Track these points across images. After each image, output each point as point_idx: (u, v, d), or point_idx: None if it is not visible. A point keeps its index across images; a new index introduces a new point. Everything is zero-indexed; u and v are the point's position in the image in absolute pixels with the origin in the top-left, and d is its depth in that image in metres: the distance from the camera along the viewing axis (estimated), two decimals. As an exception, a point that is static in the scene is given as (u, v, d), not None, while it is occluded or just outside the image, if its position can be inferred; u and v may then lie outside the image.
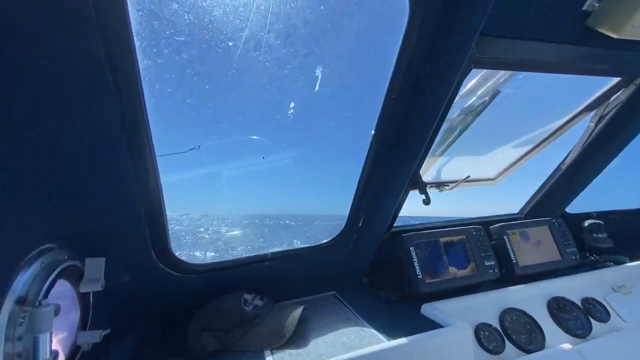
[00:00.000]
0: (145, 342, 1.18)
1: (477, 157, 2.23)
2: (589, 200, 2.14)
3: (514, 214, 2.02)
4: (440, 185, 1.89)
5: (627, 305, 1.47)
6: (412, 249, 1.39)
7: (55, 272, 0.77)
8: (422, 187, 1.37)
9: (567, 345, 1.24)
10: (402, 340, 1.05)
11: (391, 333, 1.13)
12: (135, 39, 0.65)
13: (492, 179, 2.07)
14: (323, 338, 1.15)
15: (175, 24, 0.69)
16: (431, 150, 1.51)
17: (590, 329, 1.34)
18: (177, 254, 1.18)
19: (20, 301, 0.68)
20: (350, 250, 1.56)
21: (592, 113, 1.55)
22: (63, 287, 0.83)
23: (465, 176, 1.76)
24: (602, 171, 1.73)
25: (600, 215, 2.00)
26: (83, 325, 0.92)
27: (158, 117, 0.80)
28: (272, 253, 1.40)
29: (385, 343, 1.05)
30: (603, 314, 1.41)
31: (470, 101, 1.46)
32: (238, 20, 0.71)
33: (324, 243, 1.52)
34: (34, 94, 0.66)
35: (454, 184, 1.81)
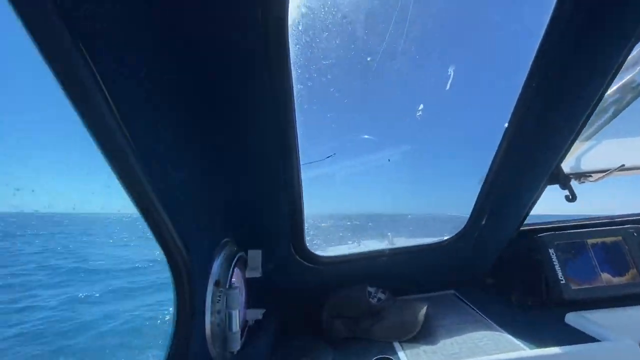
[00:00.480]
0: (289, 324, 1.38)
1: (630, 140, 1.84)
2: None
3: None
4: (580, 176, 1.63)
5: None
6: (551, 251, 1.25)
7: (234, 261, 0.97)
8: (564, 181, 1.21)
9: None
10: (550, 350, 0.97)
11: (532, 341, 1.05)
12: (292, 69, 0.75)
13: (655, 167, 1.67)
14: (453, 338, 1.14)
15: (324, 50, 0.78)
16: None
17: None
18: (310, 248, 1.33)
19: (217, 284, 0.89)
20: (472, 249, 1.49)
21: None
22: (236, 273, 1.04)
23: (619, 165, 1.47)
24: None
25: None
26: (247, 305, 1.13)
27: (302, 130, 0.91)
28: (390, 249, 1.44)
29: (527, 351, 0.99)
30: None
31: (630, 76, 1.21)
32: (377, 36, 0.75)
33: (444, 240, 1.49)
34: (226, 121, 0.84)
35: (603, 174, 1.54)
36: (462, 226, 1.49)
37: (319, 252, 1.37)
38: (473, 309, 1.37)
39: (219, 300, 0.88)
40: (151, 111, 0.65)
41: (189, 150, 0.81)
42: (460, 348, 1.08)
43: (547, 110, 1.05)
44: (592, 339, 1.04)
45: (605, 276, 1.22)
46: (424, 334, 1.18)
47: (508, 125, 1.11)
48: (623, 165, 1.48)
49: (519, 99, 1.03)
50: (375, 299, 1.31)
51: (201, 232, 0.87)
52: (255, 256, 1.10)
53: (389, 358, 1.05)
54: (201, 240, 0.85)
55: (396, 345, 1.15)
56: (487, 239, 1.46)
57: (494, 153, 1.21)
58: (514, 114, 1.07)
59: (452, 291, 1.56)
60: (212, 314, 0.86)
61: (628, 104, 1.26)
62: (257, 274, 1.09)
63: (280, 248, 1.25)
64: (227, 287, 0.89)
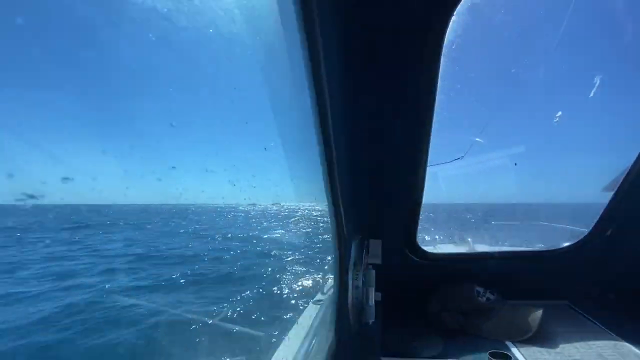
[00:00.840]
0: (399, 311, 1.51)
1: None
2: None
3: None
4: None
5: None
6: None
7: (365, 246, 1.14)
8: None
9: None
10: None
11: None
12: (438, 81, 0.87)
13: None
14: (572, 344, 1.14)
15: (467, 63, 0.86)
16: None
17: None
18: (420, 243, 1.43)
19: (355, 264, 1.06)
20: (592, 260, 1.42)
21: None
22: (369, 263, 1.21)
23: None
24: None
25: None
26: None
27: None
28: (500, 252, 1.46)
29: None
30: None
31: None
32: (525, 44, 0.80)
33: (561, 248, 1.45)
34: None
35: None
36: (584, 235, 1.42)
37: (428, 248, 1.46)
38: (590, 319, 1.31)
39: (357, 278, 1.05)
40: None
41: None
42: (581, 355, 1.07)
43: None
44: None
45: None
46: (539, 338, 1.19)
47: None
48: None
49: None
50: (484, 298, 1.36)
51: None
52: (376, 245, 1.26)
53: (507, 354, 1.09)
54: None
55: (509, 344, 1.19)
56: (613, 251, 1.37)
57: (634, 161, 1.15)
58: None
59: (566, 302, 1.50)
60: (353, 288, 1.03)
61: None
62: (378, 260, 1.25)
63: (395, 241, 1.38)
64: (363, 267, 1.06)
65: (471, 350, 1.16)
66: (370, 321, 1.06)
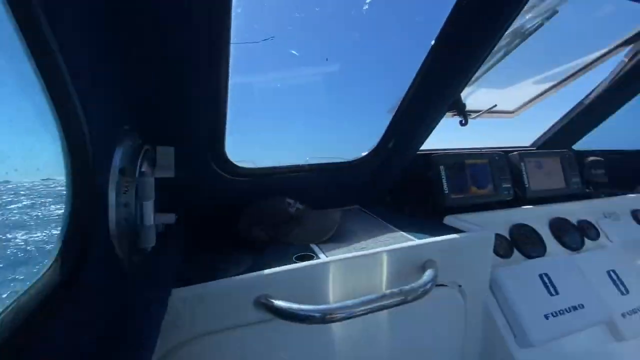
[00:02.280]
0: (204, 233, 1.30)
1: (498, 90, 2.24)
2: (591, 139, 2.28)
3: (526, 147, 2.13)
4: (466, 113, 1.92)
5: (614, 228, 1.68)
6: (442, 167, 1.48)
7: (142, 152, 0.80)
8: (461, 107, 1.41)
9: (562, 255, 1.45)
10: (431, 239, 1.19)
11: (420, 237, 1.27)
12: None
13: (511, 112, 2.12)
14: (361, 237, 1.29)
15: None
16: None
17: (583, 244, 1.55)
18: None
19: (122, 172, 0.72)
20: (378, 169, 1.65)
21: (629, 48, 1.56)
22: (145, 169, 0.87)
23: (492, 105, 1.80)
24: (617, 110, 1.80)
25: (602, 154, 2.13)
26: (155, 209, 0.99)
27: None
28: (309, 164, 1.47)
29: (416, 241, 1.19)
30: (594, 234, 1.62)
31: (521, 22, 1.42)
32: None
33: (354, 160, 1.59)
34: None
35: (479, 113, 1.86)
36: (373, 148, 1.61)
37: (239, 162, 1.28)
38: (376, 218, 1.56)
39: (127, 191, 0.73)
40: None
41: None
42: (367, 244, 1.23)
43: (453, 53, 1.16)
44: (462, 232, 1.32)
45: (474, 189, 1.53)
46: (338, 236, 1.29)
47: (424, 62, 1.20)
48: (495, 105, 1.82)
49: (438, 38, 1.11)
50: (294, 209, 1.34)
51: (98, 107, 0.67)
52: (166, 153, 0.94)
53: (310, 254, 1.11)
54: (97, 113, 0.66)
55: (313, 246, 1.23)
56: (392, 160, 1.63)
57: (409, 86, 1.31)
58: (436, 42, 1.15)
59: (358, 206, 1.73)
60: (117, 207, 0.71)
61: (514, 48, 1.51)
62: (169, 173, 0.95)
63: (196, 151, 1.11)
64: (136, 175, 0.74)
65: (279, 258, 1.13)
66: (149, 246, 0.79)
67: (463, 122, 1.44)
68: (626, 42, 1.54)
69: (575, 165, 1.83)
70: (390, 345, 1.15)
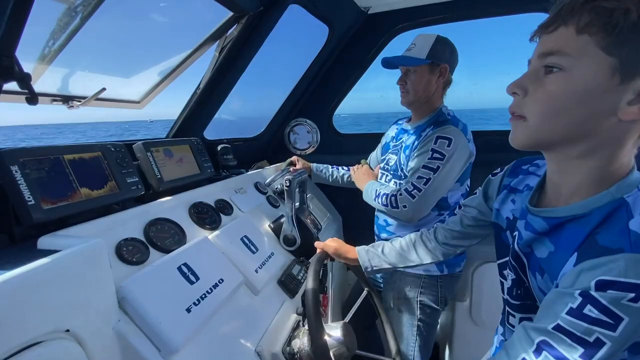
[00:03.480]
0: None
1: (124, 79, 1.99)
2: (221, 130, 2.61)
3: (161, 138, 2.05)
4: (69, 99, 1.48)
5: (244, 200, 1.96)
6: (15, 168, 0.98)
7: None
8: (20, 78, 0.95)
9: (202, 236, 1.45)
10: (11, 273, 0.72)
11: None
12: None
13: (138, 102, 1.93)
14: None
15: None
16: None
17: (220, 221, 1.66)
18: None
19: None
20: None
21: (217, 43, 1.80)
22: None
23: (100, 88, 1.48)
24: (226, 97, 2.10)
25: (229, 141, 2.48)
26: None
27: None
28: None
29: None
30: (229, 209, 1.79)
31: None
32: None
33: None
34: None
35: (88, 99, 1.49)
36: None
37: None
38: None
39: None
40: None
41: None
42: None
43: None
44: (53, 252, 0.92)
45: (85, 190, 1.17)
46: None
47: None
48: (104, 88, 1.52)
49: None
50: None
51: None
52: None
53: None
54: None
55: None
56: None
57: None
58: None
59: None
60: None
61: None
62: None
63: None
64: None
65: None
66: None
67: (30, 98, 1.00)
68: (212, 38, 1.76)
69: (205, 151, 1.95)
70: None
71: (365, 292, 1.59)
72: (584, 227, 0.75)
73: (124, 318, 0.99)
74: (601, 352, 0.63)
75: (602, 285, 0.63)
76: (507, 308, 1.05)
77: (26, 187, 0.98)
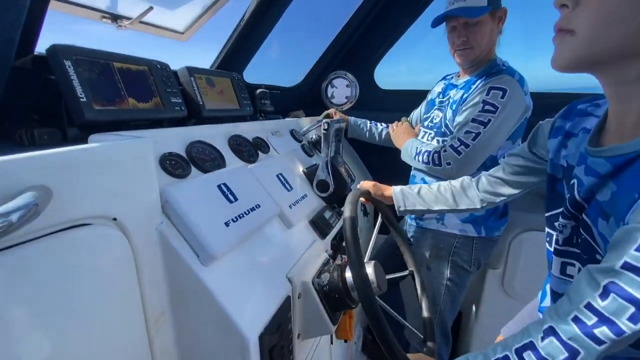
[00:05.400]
0: None
1: (169, 11, 1.96)
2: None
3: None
4: (117, 17, 1.48)
5: (280, 143, 1.94)
6: (68, 63, 0.98)
7: None
8: None
9: (240, 165, 1.44)
10: (42, 152, 0.73)
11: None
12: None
13: (182, 33, 1.91)
14: None
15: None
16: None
17: (258, 156, 1.65)
18: None
19: None
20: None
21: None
22: None
23: (148, 7, 1.46)
24: (268, 33, 2.02)
25: (267, 87, 2.43)
26: None
27: None
28: None
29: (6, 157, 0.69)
30: (266, 148, 1.78)
31: None
32: None
33: None
34: None
35: (136, 18, 1.47)
36: None
37: None
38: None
39: None
40: None
41: None
42: None
43: None
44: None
45: (132, 100, 1.17)
46: None
47: None
48: (151, 7, 1.49)
49: None
50: None
51: None
52: None
53: None
54: None
55: None
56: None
57: None
58: None
59: None
60: None
61: None
62: None
63: None
64: None
65: None
66: None
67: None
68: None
69: (245, 90, 1.92)
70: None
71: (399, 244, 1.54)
72: None
73: (166, 221, 1.01)
74: None
75: None
76: (559, 258, 0.96)
77: (79, 84, 0.99)
